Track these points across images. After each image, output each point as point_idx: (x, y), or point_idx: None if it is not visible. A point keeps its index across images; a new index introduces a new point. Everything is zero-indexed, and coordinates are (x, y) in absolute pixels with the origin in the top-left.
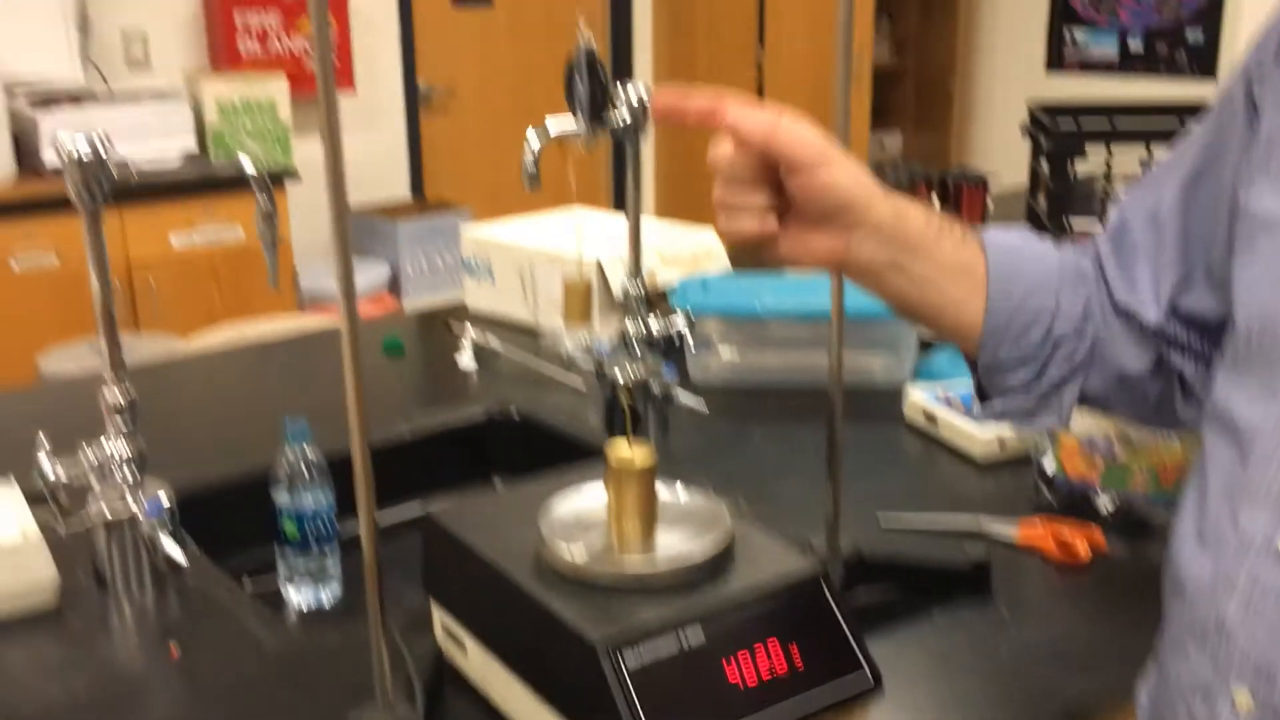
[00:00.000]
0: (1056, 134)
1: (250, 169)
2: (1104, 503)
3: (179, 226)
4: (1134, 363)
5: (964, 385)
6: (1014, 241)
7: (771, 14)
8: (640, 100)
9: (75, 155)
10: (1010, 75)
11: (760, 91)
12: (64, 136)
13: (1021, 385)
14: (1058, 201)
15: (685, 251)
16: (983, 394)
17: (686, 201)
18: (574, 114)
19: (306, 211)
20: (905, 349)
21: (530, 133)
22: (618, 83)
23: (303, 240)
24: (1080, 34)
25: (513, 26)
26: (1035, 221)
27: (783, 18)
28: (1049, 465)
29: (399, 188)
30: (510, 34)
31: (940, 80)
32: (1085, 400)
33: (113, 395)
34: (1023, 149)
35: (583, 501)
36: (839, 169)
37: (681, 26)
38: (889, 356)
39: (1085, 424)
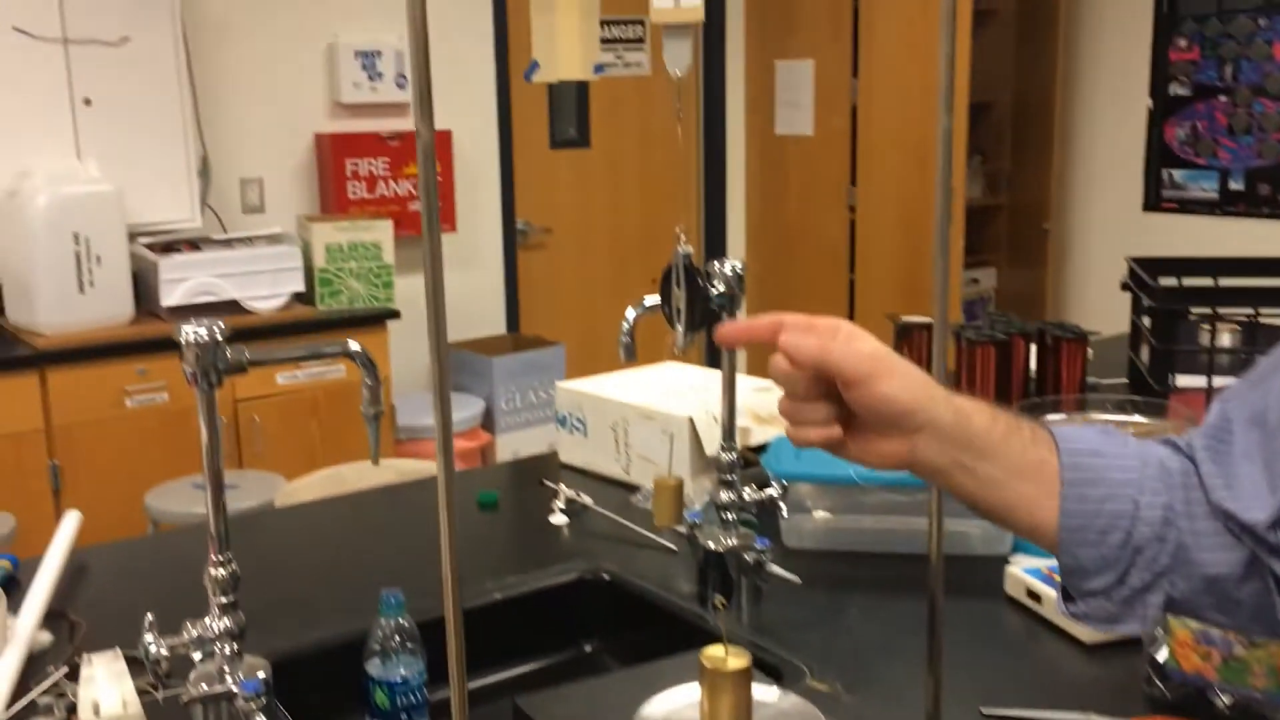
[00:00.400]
0: (1158, 293)
1: (355, 346)
2: (1221, 699)
3: (285, 365)
4: (1223, 568)
5: None
6: (1090, 441)
7: (864, 152)
8: (736, 272)
9: (192, 339)
10: (1107, 214)
11: (853, 230)
12: (187, 329)
13: (1103, 590)
14: (1161, 359)
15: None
16: (1067, 594)
17: None
18: (669, 321)
19: (405, 347)
20: None
21: (629, 311)
22: (714, 261)
23: (400, 375)
24: (1179, 174)
25: (609, 166)
26: (1137, 378)
27: (874, 156)
28: (1162, 656)
29: (496, 324)
30: (606, 173)
31: (1035, 218)
32: (1172, 606)
33: (216, 573)
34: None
35: (675, 702)
36: (893, 380)
37: (772, 167)
38: (988, 524)
39: None
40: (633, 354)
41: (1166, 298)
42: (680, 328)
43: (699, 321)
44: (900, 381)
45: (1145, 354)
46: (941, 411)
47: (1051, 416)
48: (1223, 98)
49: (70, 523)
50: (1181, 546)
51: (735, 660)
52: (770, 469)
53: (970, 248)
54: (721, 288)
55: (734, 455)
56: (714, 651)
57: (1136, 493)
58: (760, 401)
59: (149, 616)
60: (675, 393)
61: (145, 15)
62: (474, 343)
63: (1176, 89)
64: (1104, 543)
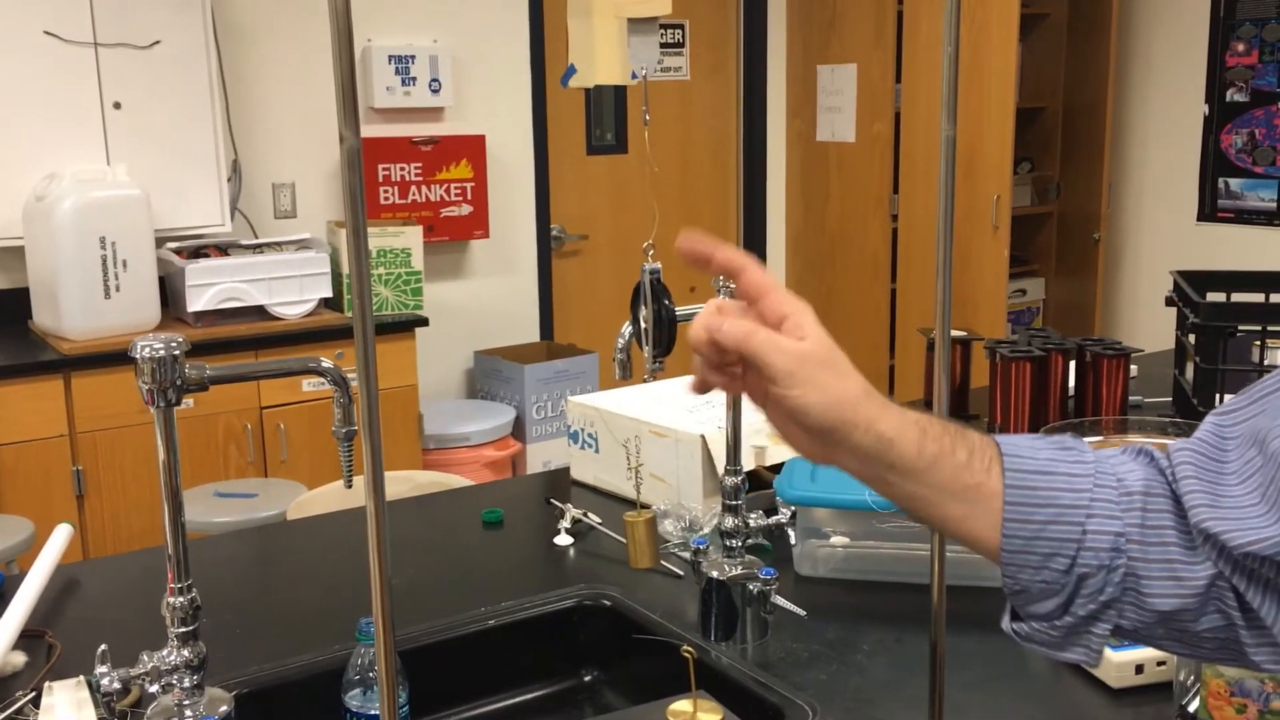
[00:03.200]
0: (1204, 309)
1: (327, 363)
2: None
3: (310, 373)
4: (1175, 602)
5: None
6: (1040, 458)
7: (906, 159)
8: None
9: (148, 355)
10: (1159, 223)
11: (895, 238)
12: (142, 344)
13: (1045, 615)
14: (1206, 379)
15: None
16: (1015, 613)
17: None
18: (638, 342)
19: (435, 354)
20: None
21: (625, 327)
22: (719, 278)
23: (429, 383)
24: (1235, 183)
25: (646, 171)
26: (1182, 397)
27: (917, 163)
28: (1193, 707)
29: (529, 331)
30: (643, 179)
31: (1085, 227)
32: (1123, 634)
33: (175, 601)
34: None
35: None
36: (813, 391)
37: (814, 173)
38: None
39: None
40: (628, 371)
41: (1212, 314)
42: (648, 349)
43: (667, 342)
44: (820, 395)
45: (1190, 372)
46: (860, 437)
47: (1089, 438)
48: None
49: (59, 537)
50: (1131, 576)
51: (705, 716)
52: (782, 493)
53: (1018, 257)
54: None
55: (738, 479)
56: (681, 707)
57: (1085, 517)
58: None
59: (103, 646)
60: (692, 409)
61: (176, 19)
62: (506, 350)
63: (1234, 95)
64: (1046, 568)
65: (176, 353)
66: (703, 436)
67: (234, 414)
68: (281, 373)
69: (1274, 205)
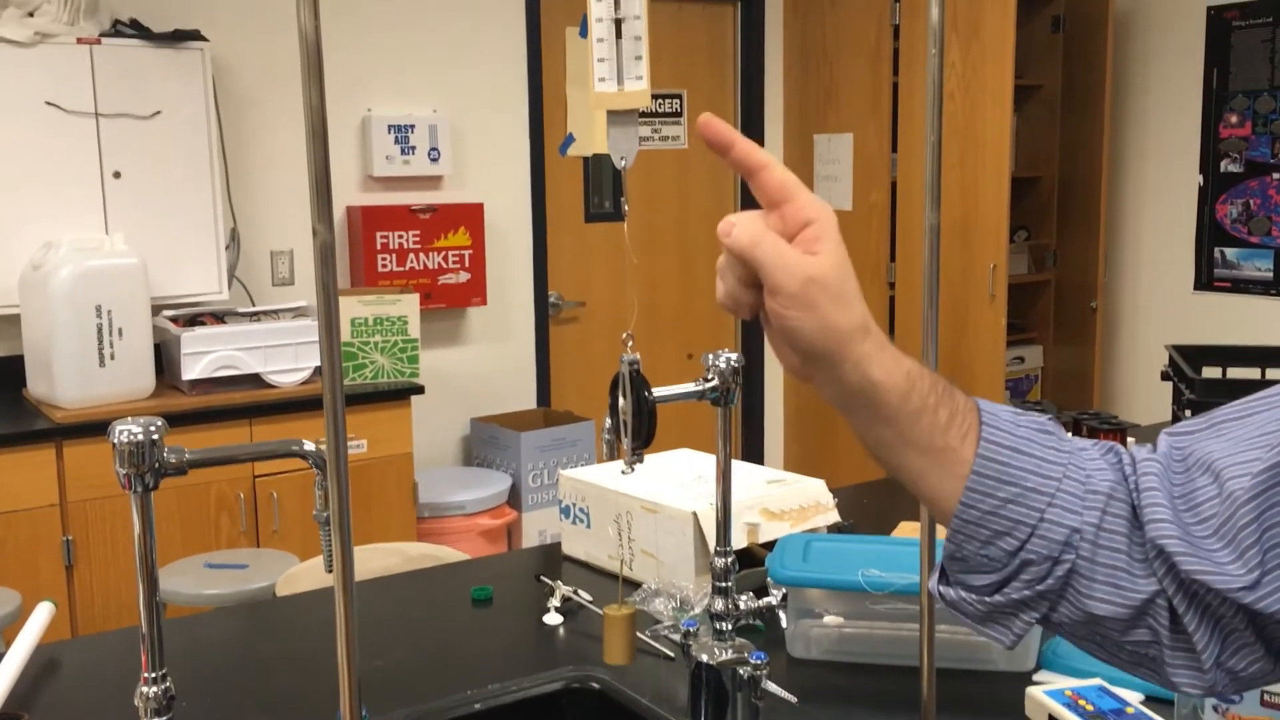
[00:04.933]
0: (1200, 386)
1: (309, 445)
2: None
3: (304, 439)
4: (1110, 609)
5: (1097, 683)
6: (1017, 434)
7: (903, 228)
8: (731, 365)
9: (125, 440)
10: (1156, 292)
11: (892, 306)
12: (119, 428)
13: (977, 589)
14: None
15: (792, 504)
16: (944, 575)
17: (819, 448)
18: (616, 433)
19: (430, 422)
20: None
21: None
22: (709, 354)
23: (424, 451)
24: (1231, 252)
25: (644, 239)
26: None
27: (913, 232)
28: None
29: (526, 398)
30: (642, 247)
31: (1082, 295)
32: (1047, 626)
33: (148, 691)
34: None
35: None
36: (809, 315)
37: None
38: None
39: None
40: (616, 452)
41: (1207, 390)
42: (627, 441)
43: (647, 433)
44: (816, 322)
45: None
46: (847, 373)
47: None
48: (1276, 175)
49: (40, 616)
50: (1075, 574)
51: None
52: (774, 573)
53: (1015, 325)
54: (715, 380)
55: (728, 560)
56: None
57: (1046, 505)
58: (773, 495)
59: None
60: (684, 484)
61: (178, 89)
62: (503, 417)
63: (1228, 165)
64: (994, 544)
65: (155, 436)
66: (694, 513)
67: (226, 483)
68: (263, 455)
69: (1270, 275)
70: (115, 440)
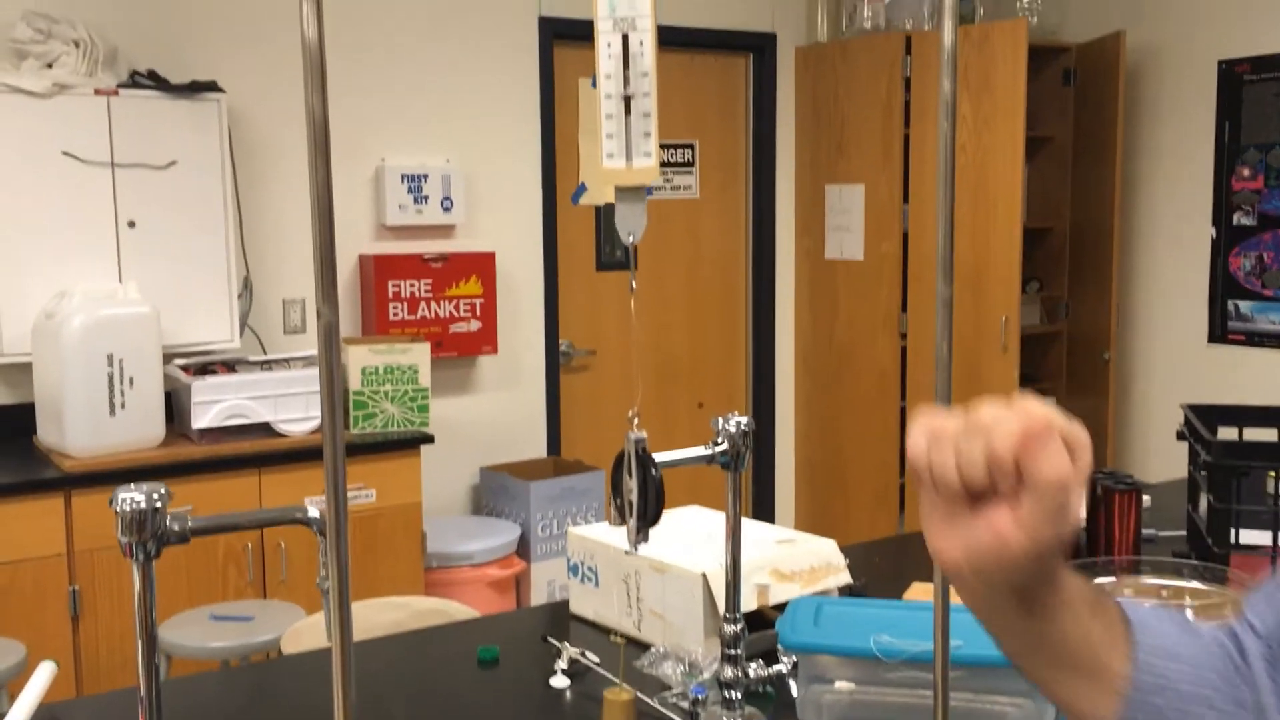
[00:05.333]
0: (1217, 448)
1: (313, 511)
2: None
3: (314, 489)
4: None
5: None
6: (1168, 639)
7: (915, 279)
8: (741, 429)
9: (128, 508)
10: (1170, 344)
11: (904, 357)
12: (123, 495)
13: None
14: (1220, 519)
15: (803, 565)
16: None
17: (829, 501)
18: (620, 515)
19: (439, 471)
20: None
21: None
22: (720, 418)
23: (433, 500)
24: (1245, 305)
25: (656, 288)
26: (1196, 534)
27: (925, 282)
28: None
29: (536, 447)
30: (653, 296)
31: (1095, 347)
32: None
33: None
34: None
35: None
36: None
37: (822, 291)
38: (1029, 703)
39: None
40: (620, 521)
41: (1224, 453)
42: (632, 522)
43: (653, 513)
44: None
45: (1204, 508)
46: (1047, 592)
47: (1101, 579)
48: None
49: (42, 676)
50: None
51: None
52: (784, 639)
53: (1027, 376)
54: (725, 445)
55: (738, 627)
56: None
57: (1204, 710)
58: (783, 556)
59: None
60: (695, 543)
61: (193, 139)
62: (512, 466)
63: (1240, 218)
64: None
65: (159, 504)
66: (703, 574)
67: (234, 534)
68: (267, 523)
69: None
70: (117, 507)
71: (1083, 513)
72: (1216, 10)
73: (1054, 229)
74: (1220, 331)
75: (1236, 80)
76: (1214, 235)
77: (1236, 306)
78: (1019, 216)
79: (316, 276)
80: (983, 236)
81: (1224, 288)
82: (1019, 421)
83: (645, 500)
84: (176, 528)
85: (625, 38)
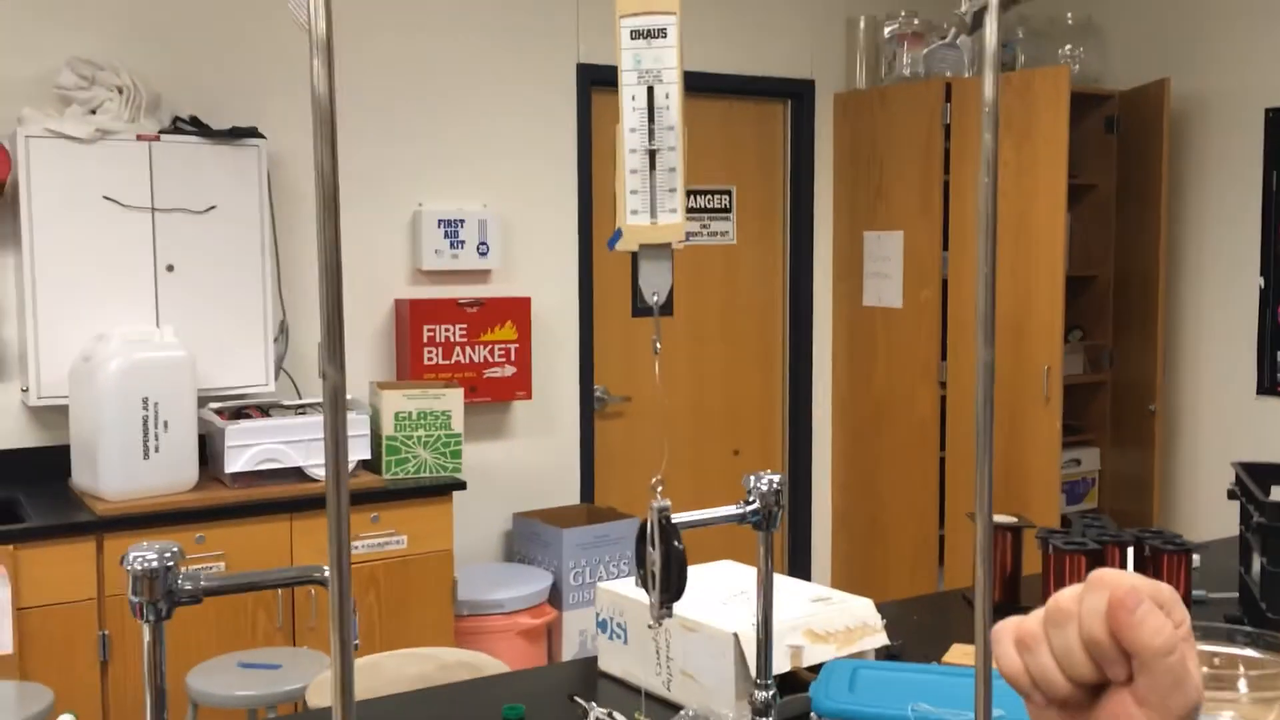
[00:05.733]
0: (1270, 509)
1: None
2: None
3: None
4: None
5: None
6: None
7: (954, 327)
8: (773, 487)
9: (140, 569)
10: (1217, 396)
11: (944, 406)
12: (134, 555)
13: None
14: (1274, 582)
15: (838, 625)
16: None
17: (867, 555)
18: (644, 586)
19: (472, 517)
20: None
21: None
22: (751, 476)
23: (465, 547)
24: None
25: (692, 334)
26: (1248, 597)
27: (965, 331)
28: None
29: (569, 494)
30: (689, 342)
31: (1140, 397)
32: None
33: None
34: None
35: None
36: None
37: (860, 338)
38: None
39: None
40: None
41: (1278, 514)
42: (654, 595)
43: (677, 587)
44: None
45: (1256, 570)
46: None
47: None
48: None
49: None
50: None
51: None
52: (819, 705)
53: (1071, 426)
54: (756, 504)
55: (769, 694)
56: None
57: None
58: (817, 615)
59: None
60: (728, 600)
61: (233, 184)
62: (545, 512)
63: None
64: None
65: (170, 564)
66: (735, 635)
67: None
68: (284, 583)
69: None
70: (129, 566)
71: (1199, 676)
72: (1264, 57)
73: (1098, 277)
74: (1269, 383)
75: None
76: (1262, 285)
77: None
78: (1061, 264)
79: (323, 336)
80: (1024, 284)
81: (1273, 339)
82: (1103, 597)
83: (669, 573)
84: (189, 587)
85: (650, 90)
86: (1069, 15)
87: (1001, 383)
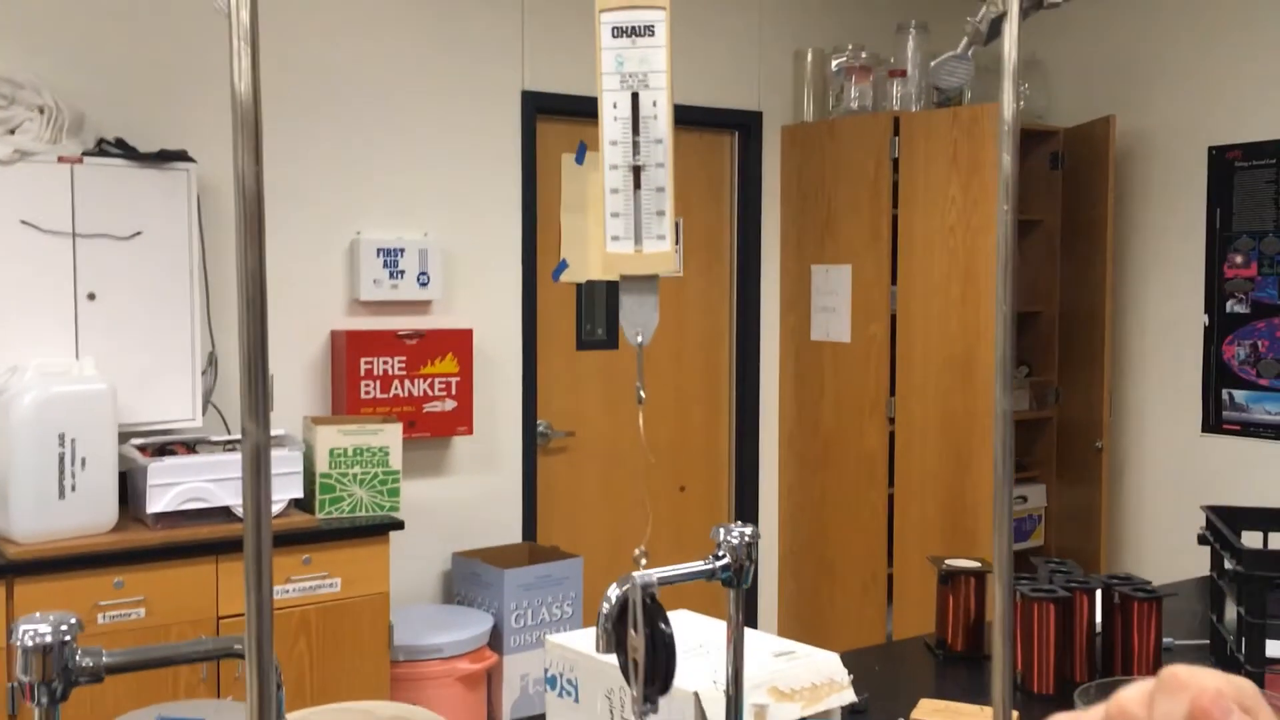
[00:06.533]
0: (1248, 557)
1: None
2: None
3: (276, 578)
4: None
5: None
6: None
7: (903, 362)
8: (745, 540)
9: (30, 644)
10: (1163, 433)
11: (893, 441)
12: (24, 629)
13: None
14: (1254, 632)
15: (804, 682)
16: None
17: (813, 596)
18: (625, 676)
19: (408, 556)
20: None
21: (610, 589)
22: (721, 528)
23: (401, 586)
24: (1240, 395)
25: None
26: (1219, 645)
27: (914, 366)
28: None
29: (511, 532)
30: (634, 375)
31: (1086, 434)
32: None
33: None
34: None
35: None
36: None
37: (808, 373)
38: None
39: None
40: (614, 645)
41: (1256, 562)
42: (637, 687)
43: (664, 678)
44: None
45: (1229, 617)
46: None
47: None
48: None
49: None
50: None
51: None
52: None
53: (1017, 463)
54: (727, 558)
55: None
56: None
57: None
58: (781, 672)
59: None
60: (687, 654)
61: (160, 209)
62: (485, 551)
63: (1234, 306)
64: None
65: (67, 638)
66: (695, 693)
67: (189, 624)
68: (200, 657)
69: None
70: (17, 642)
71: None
72: (1207, 96)
73: (1043, 313)
74: (1214, 421)
75: (1228, 166)
76: (1206, 323)
77: (1231, 396)
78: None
79: (243, 385)
80: (973, 320)
81: (1218, 377)
82: (1182, 702)
83: (654, 662)
84: (89, 664)
85: (635, 97)
86: None
87: (951, 419)
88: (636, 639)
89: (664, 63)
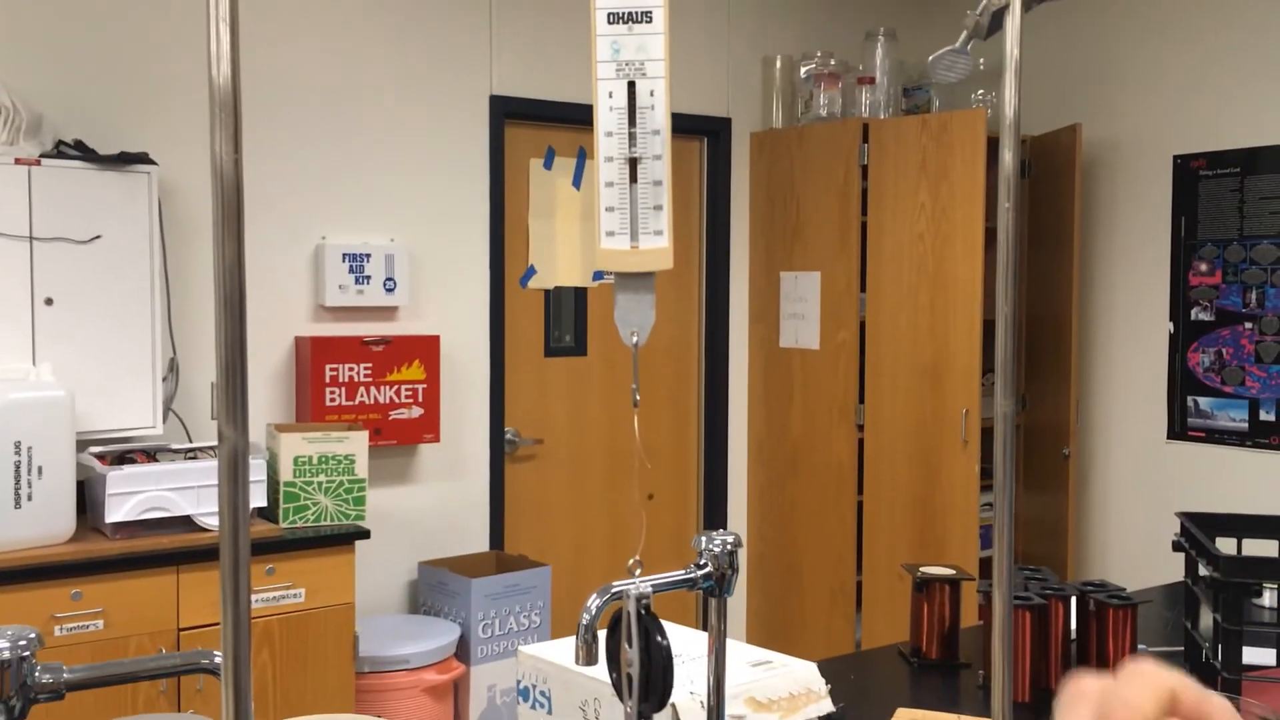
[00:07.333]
0: (1226, 564)
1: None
2: None
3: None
4: None
5: None
6: None
7: (872, 369)
8: (728, 548)
9: None
10: (1129, 438)
11: (862, 449)
12: None
13: None
14: (1231, 638)
15: (781, 692)
16: None
17: (781, 603)
18: (618, 692)
19: (374, 565)
20: None
21: (591, 600)
22: (703, 536)
23: (366, 596)
24: (1205, 402)
25: (606, 375)
26: (1194, 651)
27: (883, 373)
28: None
29: (478, 541)
30: (603, 383)
31: (1053, 441)
32: None
33: None
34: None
35: None
36: None
37: (776, 380)
38: None
39: None
40: (594, 657)
41: (1233, 569)
42: (631, 703)
43: (660, 694)
44: None
45: (1205, 624)
46: None
47: None
48: (1248, 325)
49: None
50: None
51: None
52: None
53: (983, 470)
54: (709, 567)
55: None
56: None
57: None
58: (759, 681)
59: None
60: None
61: (120, 213)
62: (452, 560)
63: (1198, 314)
64: None
65: (25, 654)
66: (673, 705)
67: (148, 635)
68: (166, 672)
69: (1245, 426)
70: None
71: None
72: (1172, 105)
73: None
74: (1180, 428)
75: (1192, 175)
76: (1172, 330)
77: (1196, 403)
78: (979, 307)
79: (221, 387)
80: (942, 327)
81: (1183, 384)
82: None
83: (649, 676)
84: (48, 680)
85: (632, 86)
86: (981, 60)
87: (920, 426)
88: (631, 653)
89: (663, 50)
